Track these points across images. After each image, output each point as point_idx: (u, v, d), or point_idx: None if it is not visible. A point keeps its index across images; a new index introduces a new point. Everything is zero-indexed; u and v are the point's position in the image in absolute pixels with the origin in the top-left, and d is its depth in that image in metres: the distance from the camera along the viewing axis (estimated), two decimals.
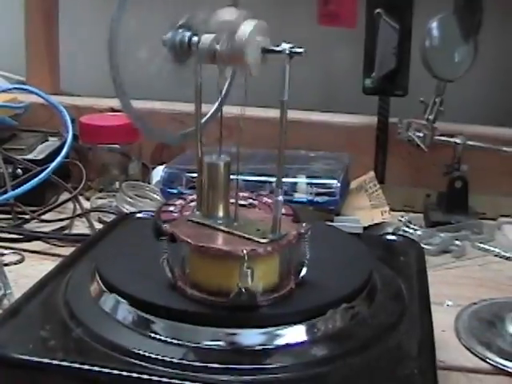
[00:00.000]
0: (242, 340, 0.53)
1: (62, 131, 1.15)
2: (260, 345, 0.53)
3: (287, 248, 0.57)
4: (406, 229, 1.00)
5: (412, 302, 0.61)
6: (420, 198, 1.11)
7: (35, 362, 0.51)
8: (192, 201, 0.73)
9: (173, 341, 0.53)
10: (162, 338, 0.53)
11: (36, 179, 0.99)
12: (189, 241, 0.55)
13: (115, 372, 0.49)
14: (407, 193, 1.13)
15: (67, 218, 1.02)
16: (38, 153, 1.12)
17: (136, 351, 0.52)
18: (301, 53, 0.52)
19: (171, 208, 0.72)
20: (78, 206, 1.06)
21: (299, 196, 0.97)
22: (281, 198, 0.56)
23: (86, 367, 0.50)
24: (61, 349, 0.53)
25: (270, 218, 0.57)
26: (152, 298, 0.55)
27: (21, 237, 0.97)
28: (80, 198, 1.08)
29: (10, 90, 1.18)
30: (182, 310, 0.54)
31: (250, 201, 0.74)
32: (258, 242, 0.55)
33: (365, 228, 0.97)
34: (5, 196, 1.00)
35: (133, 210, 1.01)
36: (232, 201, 0.59)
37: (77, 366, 0.51)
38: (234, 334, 0.53)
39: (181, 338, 0.53)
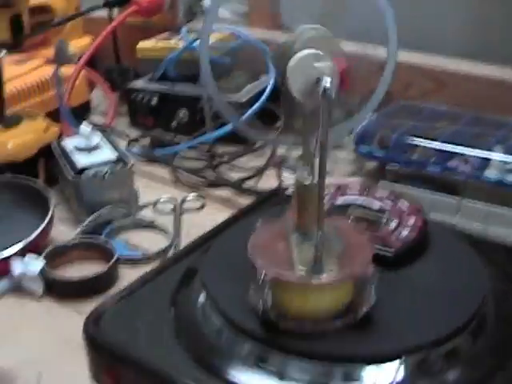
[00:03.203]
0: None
1: None
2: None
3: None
4: None
5: None
6: None
7: None
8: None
9: None
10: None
11: (228, 125, 1.00)
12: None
13: None
14: None
15: (254, 176, 1.01)
16: (244, 94, 1.13)
17: None
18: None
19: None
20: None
21: (490, 173, 0.89)
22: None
23: None
24: None
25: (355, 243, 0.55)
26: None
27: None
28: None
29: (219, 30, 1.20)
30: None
31: (383, 204, 0.67)
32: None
33: None
34: (203, 137, 1.05)
35: None
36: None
37: None
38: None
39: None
